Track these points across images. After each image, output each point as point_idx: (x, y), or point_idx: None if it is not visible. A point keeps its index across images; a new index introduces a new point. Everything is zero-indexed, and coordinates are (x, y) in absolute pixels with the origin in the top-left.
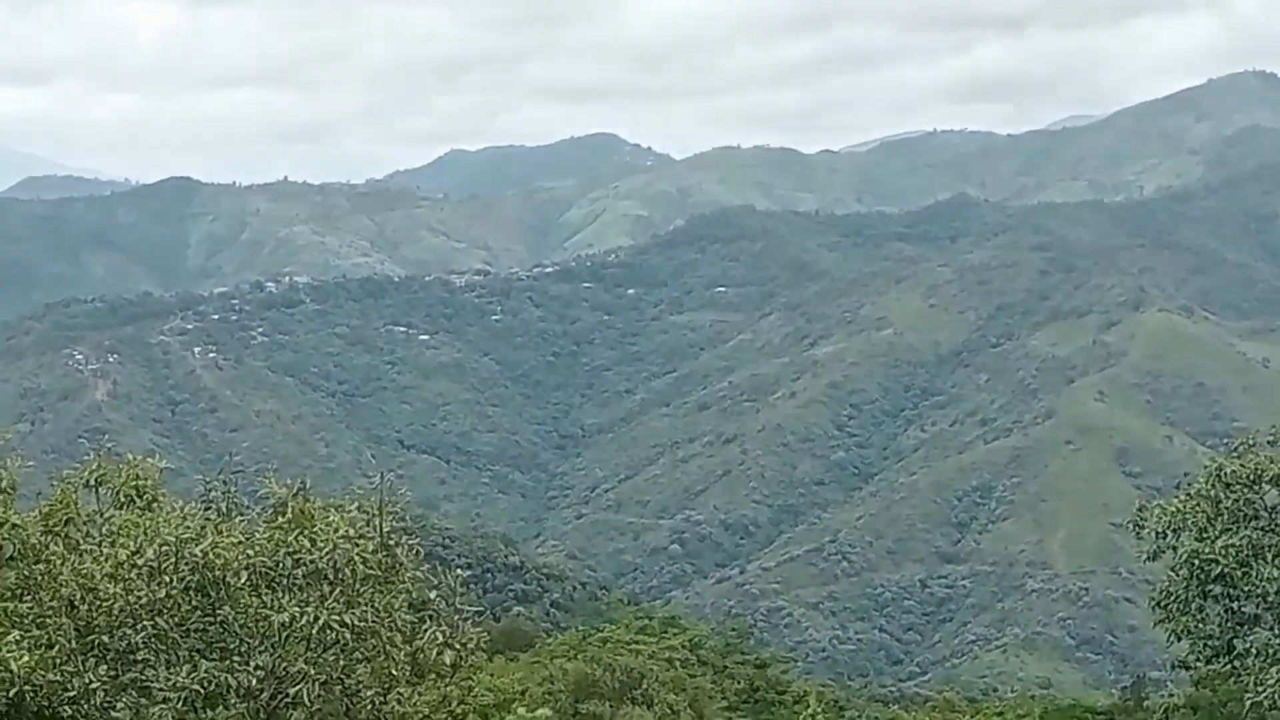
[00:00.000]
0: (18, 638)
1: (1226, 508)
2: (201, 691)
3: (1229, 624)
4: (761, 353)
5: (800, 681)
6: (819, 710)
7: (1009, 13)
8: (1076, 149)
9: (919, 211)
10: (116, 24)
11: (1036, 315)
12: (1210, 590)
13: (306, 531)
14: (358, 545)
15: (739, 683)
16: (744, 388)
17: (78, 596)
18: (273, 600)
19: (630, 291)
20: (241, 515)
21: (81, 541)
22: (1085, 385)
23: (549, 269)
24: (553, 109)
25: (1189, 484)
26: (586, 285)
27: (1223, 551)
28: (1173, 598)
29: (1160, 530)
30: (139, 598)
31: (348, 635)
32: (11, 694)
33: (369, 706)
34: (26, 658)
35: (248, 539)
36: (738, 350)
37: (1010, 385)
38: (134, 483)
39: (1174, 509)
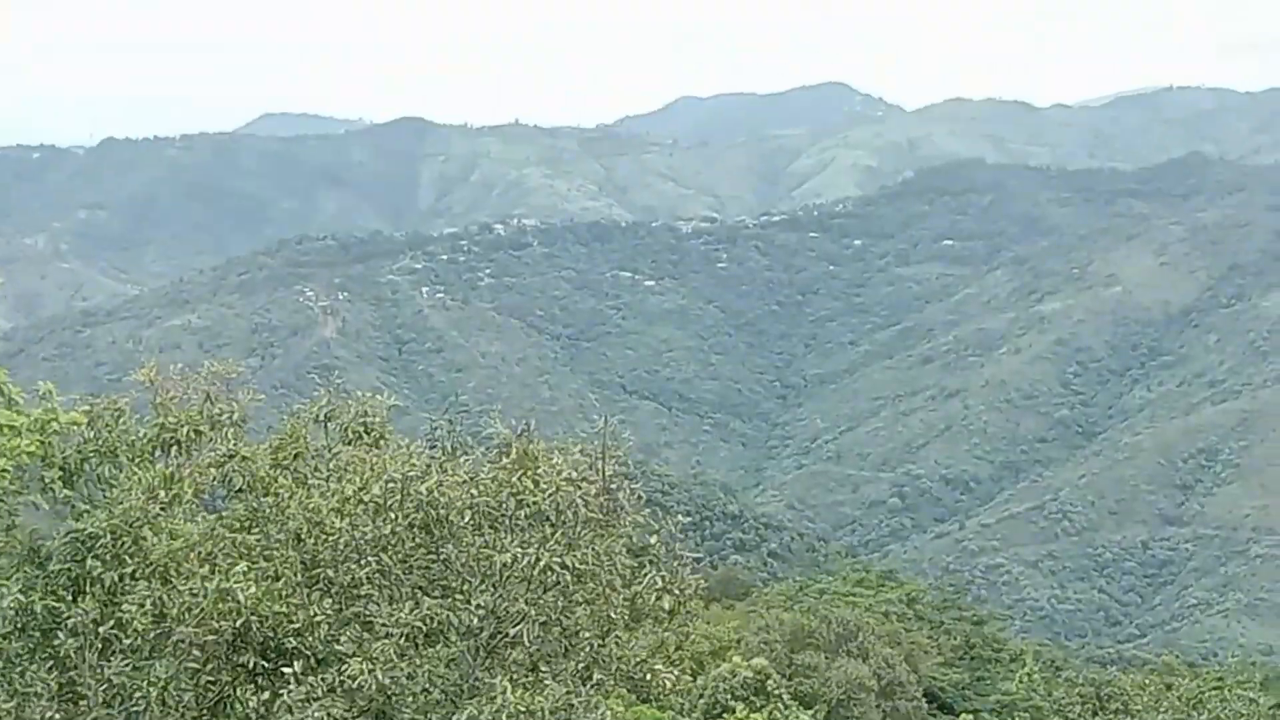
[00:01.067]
0: (245, 569)
1: None
2: (423, 628)
3: None
4: (987, 307)
5: (1017, 640)
6: (1035, 669)
7: None
8: None
9: (1152, 168)
10: None
11: (1270, 276)
12: None
13: (530, 473)
14: (580, 488)
15: (955, 639)
16: (969, 342)
17: (304, 530)
18: (495, 540)
19: (857, 242)
20: (466, 455)
21: (309, 476)
22: None
23: (776, 217)
24: (784, 56)
25: None
26: (813, 235)
27: None
28: None
29: None
30: (364, 533)
31: (568, 577)
32: (238, 624)
33: (587, 649)
34: (254, 589)
35: (472, 478)
36: (963, 304)
37: (1240, 346)
38: (362, 419)
39: None
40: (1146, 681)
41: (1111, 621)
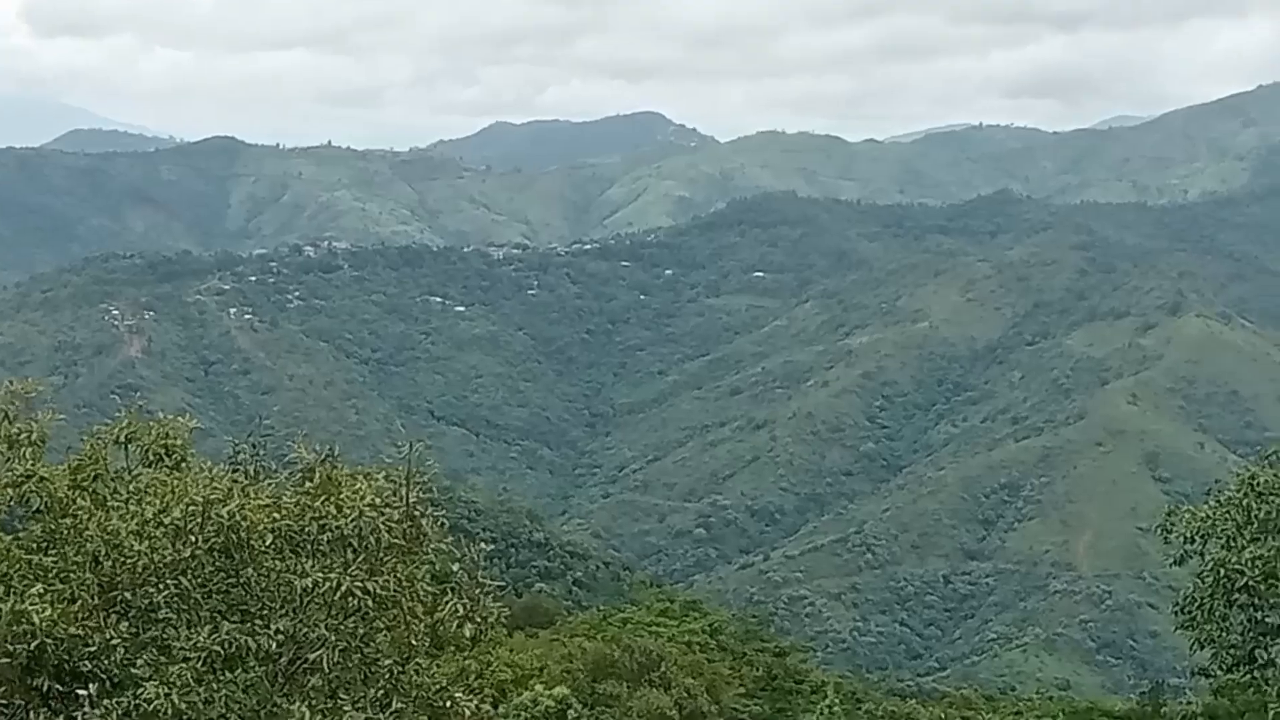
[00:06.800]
0: (41, 591)
1: (1257, 517)
2: (221, 652)
3: (1252, 634)
4: (796, 340)
5: (819, 671)
6: (836, 701)
7: (1064, 9)
8: (1122, 149)
9: (961, 205)
10: None
11: (1073, 315)
12: (1235, 599)
13: (333, 498)
14: (383, 514)
15: (757, 670)
16: (777, 374)
17: (102, 552)
18: (296, 564)
19: (668, 272)
20: (269, 478)
21: (108, 498)
22: (1119, 388)
23: (588, 246)
24: (601, 85)
25: (1219, 491)
26: (624, 264)
27: (1250, 563)
28: (1197, 605)
29: (1188, 536)
30: (163, 556)
31: (369, 603)
32: (32, 646)
33: (387, 675)
34: (49, 611)
35: (274, 502)
36: (772, 336)
37: (1043, 384)
38: (163, 441)
39: (1203, 515)
40: (945, 714)
41: (912, 654)
